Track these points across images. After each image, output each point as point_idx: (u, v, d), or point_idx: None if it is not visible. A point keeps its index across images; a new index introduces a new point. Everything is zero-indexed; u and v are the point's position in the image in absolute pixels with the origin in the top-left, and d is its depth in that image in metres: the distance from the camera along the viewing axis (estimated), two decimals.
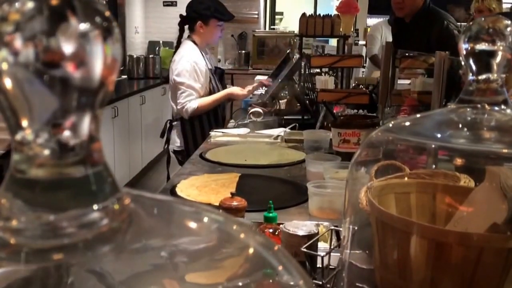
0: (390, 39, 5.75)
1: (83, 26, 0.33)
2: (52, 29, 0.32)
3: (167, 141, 3.75)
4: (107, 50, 0.34)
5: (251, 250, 0.45)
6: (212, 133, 3.25)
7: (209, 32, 3.69)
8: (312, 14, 4.25)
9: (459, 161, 1.05)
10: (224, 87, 3.91)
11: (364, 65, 5.90)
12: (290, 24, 8.42)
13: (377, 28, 6.73)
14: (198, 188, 2.15)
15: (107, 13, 0.35)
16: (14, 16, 0.32)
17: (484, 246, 0.88)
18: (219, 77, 3.86)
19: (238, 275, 0.43)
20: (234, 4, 7.15)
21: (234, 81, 6.24)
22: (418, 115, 1.17)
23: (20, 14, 0.32)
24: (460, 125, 0.96)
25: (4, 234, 0.34)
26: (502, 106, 0.92)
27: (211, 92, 3.70)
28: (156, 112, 6.78)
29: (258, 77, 5.11)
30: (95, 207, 0.36)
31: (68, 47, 0.33)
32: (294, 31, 7.06)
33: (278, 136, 3.19)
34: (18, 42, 0.32)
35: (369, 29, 7.35)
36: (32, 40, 0.32)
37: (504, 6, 4.79)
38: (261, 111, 3.53)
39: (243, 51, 7.76)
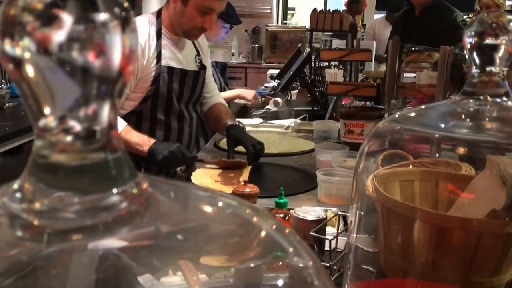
0: (384, 35, 5.73)
1: (103, 16, 0.32)
2: (73, 18, 0.32)
3: None
4: (126, 40, 0.33)
5: (263, 233, 0.44)
6: None
7: (213, 30, 3.71)
8: (322, 9, 4.22)
9: (461, 150, 1.04)
10: (225, 80, 3.98)
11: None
12: (301, 19, 8.37)
13: (371, 25, 6.74)
14: (212, 176, 2.13)
15: (126, 4, 0.34)
16: (35, 6, 0.32)
17: (483, 231, 0.88)
18: (220, 70, 3.89)
19: (251, 257, 0.43)
20: None
21: (248, 74, 6.19)
22: (422, 107, 1.16)
23: (41, 4, 0.32)
24: (463, 116, 0.95)
25: (28, 216, 0.34)
26: (504, 98, 0.91)
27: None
28: None
29: (270, 72, 5.11)
30: (115, 191, 0.36)
31: (88, 37, 0.32)
32: (305, 26, 7.01)
33: (289, 126, 3.19)
34: (39, 32, 0.32)
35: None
36: (53, 30, 0.32)
37: (507, 3, 4.73)
38: (280, 100, 3.52)
39: (256, 45, 7.69)
